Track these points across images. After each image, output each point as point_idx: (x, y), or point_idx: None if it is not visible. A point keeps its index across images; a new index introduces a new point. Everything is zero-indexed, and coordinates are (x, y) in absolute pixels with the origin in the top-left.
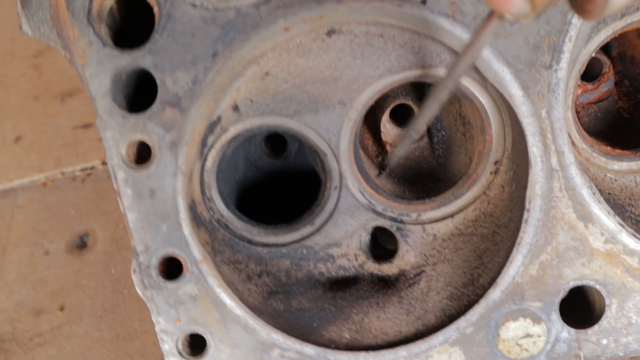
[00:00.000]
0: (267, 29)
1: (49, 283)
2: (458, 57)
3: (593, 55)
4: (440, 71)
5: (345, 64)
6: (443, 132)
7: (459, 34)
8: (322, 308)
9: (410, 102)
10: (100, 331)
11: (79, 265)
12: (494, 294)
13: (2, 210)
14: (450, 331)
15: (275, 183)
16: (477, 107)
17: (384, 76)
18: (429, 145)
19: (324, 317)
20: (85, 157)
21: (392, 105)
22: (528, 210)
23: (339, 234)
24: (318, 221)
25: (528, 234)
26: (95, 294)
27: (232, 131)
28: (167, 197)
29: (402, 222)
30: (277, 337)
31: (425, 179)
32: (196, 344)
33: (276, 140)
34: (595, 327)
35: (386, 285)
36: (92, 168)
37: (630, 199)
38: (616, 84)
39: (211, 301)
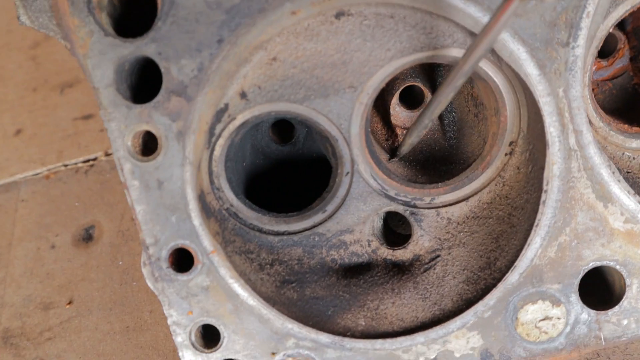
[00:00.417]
0: (273, 12)
1: (56, 277)
2: (475, 39)
3: (611, 30)
4: (453, 52)
5: (355, 47)
6: (454, 113)
7: (472, 12)
8: (337, 295)
9: (420, 84)
10: (110, 324)
11: (85, 258)
12: (512, 277)
13: (6, 205)
14: (468, 316)
15: (284, 170)
16: (491, 88)
17: (395, 58)
18: (440, 127)
19: (339, 304)
20: (87, 149)
21: (401, 88)
22: (546, 191)
23: (351, 220)
24: (330, 208)
25: (546, 216)
26: (104, 286)
27: (240, 119)
28: (175, 188)
29: (415, 206)
30: (292, 326)
31: (437, 162)
32: (209, 335)
33: (283, 127)
34: (616, 308)
35: (401, 270)
36: (95, 159)
37: None
38: (631, 59)
39: (224, 292)
